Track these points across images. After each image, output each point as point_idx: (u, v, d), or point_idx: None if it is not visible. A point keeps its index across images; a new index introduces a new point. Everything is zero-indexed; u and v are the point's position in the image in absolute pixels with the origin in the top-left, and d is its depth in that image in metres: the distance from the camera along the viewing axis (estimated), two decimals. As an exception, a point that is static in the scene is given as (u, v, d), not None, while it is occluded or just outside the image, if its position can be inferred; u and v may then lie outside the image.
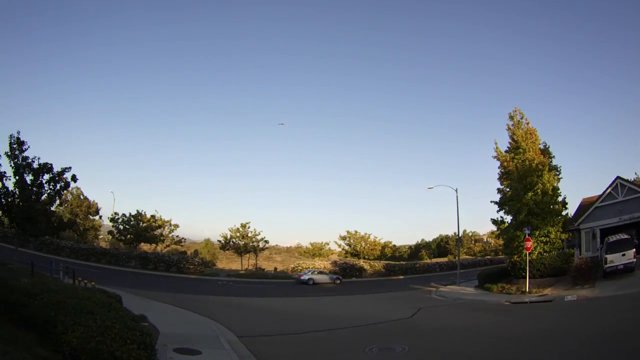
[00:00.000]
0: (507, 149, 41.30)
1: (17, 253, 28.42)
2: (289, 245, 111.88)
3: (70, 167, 27.69)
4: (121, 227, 59.19)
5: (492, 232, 73.78)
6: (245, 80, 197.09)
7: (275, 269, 71.90)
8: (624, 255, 28.66)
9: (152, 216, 61.98)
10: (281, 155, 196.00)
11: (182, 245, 71.62)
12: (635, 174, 57.43)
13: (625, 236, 30.42)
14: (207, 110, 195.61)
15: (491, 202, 40.84)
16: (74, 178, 27.94)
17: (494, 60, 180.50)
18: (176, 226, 65.07)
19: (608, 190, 37.13)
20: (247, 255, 69.19)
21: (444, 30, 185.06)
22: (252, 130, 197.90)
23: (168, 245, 66.09)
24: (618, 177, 37.02)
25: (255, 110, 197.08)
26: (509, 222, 39.41)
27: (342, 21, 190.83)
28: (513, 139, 40.73)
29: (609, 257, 29.24)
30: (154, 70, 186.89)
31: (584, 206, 41.08)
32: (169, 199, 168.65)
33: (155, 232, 61.65)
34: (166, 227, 63.91)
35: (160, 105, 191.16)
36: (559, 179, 39.39)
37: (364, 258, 73.54)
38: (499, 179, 41.18)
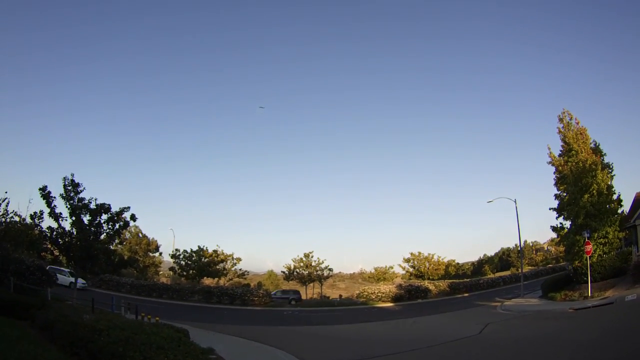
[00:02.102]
0: (560, 152, 41.10)
1: (76, 290, 29.11)
2: (352, 272, 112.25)
3: (129, 207, 28.12)
4: (183, 262, 60.27)
5: (552, 240, 72.43)
6: (302, 112, 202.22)
7: (340, 296, 71.52)
8: None
9: (214, 251, 62.72)
10: (340, 185, 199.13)
11: (245, 278, 71.71)
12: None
13: None
14: (263, 145, 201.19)
15: (550, 209, 40.96)
16: (133, 217, 28.42)
17: (537, 57, 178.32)
18: (239, 259, 65.33)
19: (660, 180, 36.12)
20: (311, 284, 69.21)
21: (487, 45, 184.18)
22: (310, 163, 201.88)
23: (231, 279, 66.36)
24: (669, 166, 36.03)
25: (312, 145, 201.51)
26: (568, 227, 39.09)
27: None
28: (565, 142, 40.52)
29: None
30: (211, 113, 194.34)
31: (639, 200, 40.21)
32: (230, 233, 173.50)
33: (218, 267, 62.21)
34: (228, 261, 64.29)
35: (218, 143, 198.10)
36: (612, 177, 38.73)
37: (429, 279, 72.66)
38: (556, 184, 40.96)
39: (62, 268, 47.14)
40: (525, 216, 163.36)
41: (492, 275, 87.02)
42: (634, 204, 40.50)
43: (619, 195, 38.54)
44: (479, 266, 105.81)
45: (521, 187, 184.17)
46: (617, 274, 34.02)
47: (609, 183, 37.93)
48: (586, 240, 34.11)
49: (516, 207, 49.88)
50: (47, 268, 42.15)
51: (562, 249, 44.79)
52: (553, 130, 42.18)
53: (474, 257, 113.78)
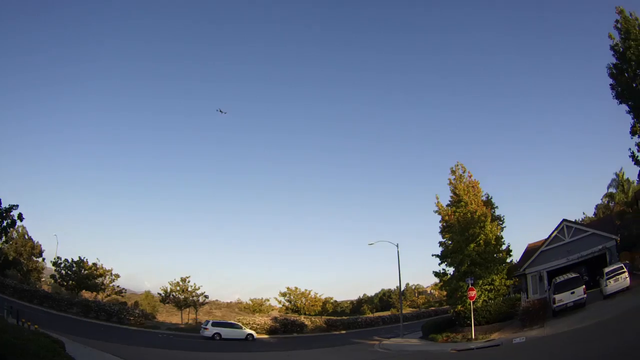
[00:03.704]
0: (449, 202, 42.41)
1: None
2: (229, 301, 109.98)
3: (17, 205, 26.28)
4: (63, 272, 57.82)
5: (436, 284, 74.79)
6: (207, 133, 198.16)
7: (215, 324, 69.84)
8: (572, 293, 29.58)
9: (94, 264, 60.82)
10: (224, 212, 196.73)
11: (122, 296, 70.26)
12: (583, 213, 61.27)
13: (574, 275, 31.62)
14: (156, 161, 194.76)
15: (433, 255, 41.53)
16: (20, 217, 26.48)
17: (434, 111, 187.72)
18: (117, 276, 63.90)
19: (554, 234, 38.45)
20: (187, 309, 67.78)
21: (392, 84, 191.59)
22: (197, 186, 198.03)
23: (109, 295, 64.59)
24: (564, 220, 38.62)
25: (201, 166, 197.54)
26: (452, 273, 40.09)
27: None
28: (455, 193, 41.96)
29: (557, 296, 30.17)
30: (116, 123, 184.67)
31: (530, 251, 42.37)
32: (111, 248, 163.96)
33: (97, 281, 60.42)
34: (107, 277, 62.60)
35: (110, 153, 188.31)
36: (502, 228, 40.90)
37: (305, 314, 73.52)
38: (441, 232, 41.78)
39: (232, 322, 51.92)
40: (410, 260, 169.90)
41: (371, 315, 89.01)
42: (525, 254, 43.25)
43: (509, 245, 41.00)
44: (358, 305, 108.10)
45: (408, 230, 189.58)
46: (504, 318, 35.42)
47: (498, 234, 39.89)
48: (470, 286, 35.10)
49: (397, 251, 51.33)
50: (211, 322, 47.94)
51: (445, 293, 45.70)
52: (443, 178, 43.41)
53: (353, 297, 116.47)
